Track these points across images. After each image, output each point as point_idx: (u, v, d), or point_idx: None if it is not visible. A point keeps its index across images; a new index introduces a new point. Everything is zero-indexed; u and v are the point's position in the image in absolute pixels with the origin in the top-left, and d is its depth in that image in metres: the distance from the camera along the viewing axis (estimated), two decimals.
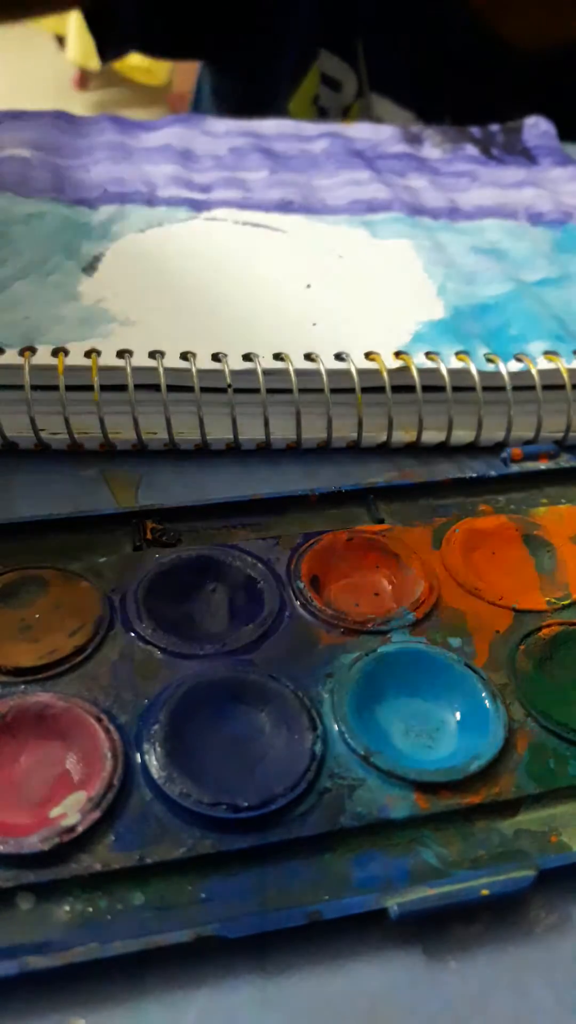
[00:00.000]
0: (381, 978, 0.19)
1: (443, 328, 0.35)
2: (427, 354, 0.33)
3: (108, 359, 0.31)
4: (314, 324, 0.35)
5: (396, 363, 0.33)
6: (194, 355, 0.32)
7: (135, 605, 0.26)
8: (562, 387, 0.34)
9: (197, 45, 0.70)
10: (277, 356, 0.33)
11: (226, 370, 0.32)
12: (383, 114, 0.64)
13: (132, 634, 0.25)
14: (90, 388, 0.31)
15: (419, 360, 0.33)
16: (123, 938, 0.19)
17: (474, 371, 0.33)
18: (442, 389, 0.33)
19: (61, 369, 0.31)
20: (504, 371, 0.33)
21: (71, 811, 0.20)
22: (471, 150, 0.54)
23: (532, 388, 0.33)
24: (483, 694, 0.24)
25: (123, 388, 0.31)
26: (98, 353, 0.32)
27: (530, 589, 0.28)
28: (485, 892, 0.20)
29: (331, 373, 0.32)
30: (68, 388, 0.31)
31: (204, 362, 0.32)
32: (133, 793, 0.21)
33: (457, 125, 0.56)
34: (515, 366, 0.34)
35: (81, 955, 0.18)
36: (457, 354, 0.34)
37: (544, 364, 0.34)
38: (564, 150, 0.55)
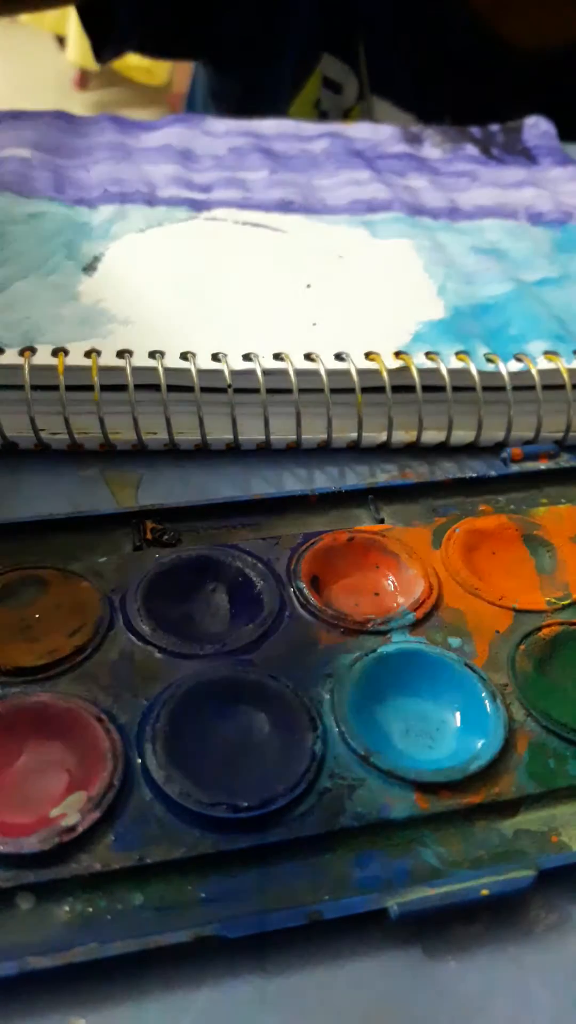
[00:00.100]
0: (381, 978, 0.19)
1: (443, 328, 0.35)
2: (427, 354, 0.33)
3: (108, 359, 0.31)
4: (314, 324, 0.35)
5: (396, 363, 0.33)
6: (194, 355, 0.32)
7: (135, 605, 0.26)
8: (562, 387, 0.34)
9: (195, 46, 0.69)
10: (277, 356, 0.33)
11: (226, 370, 0.32)
12: (384, 117, 0.64)
13: (132, 634, 0.25)
14: (90, 388, 0.31)
15: (419, 360, 0.33)
16: (123, 938, 0.19)
17: (474, 371, 0.33)
18: (442, 389, 0.33)
19: (61, 369, 0.31)
20: (504, 371, 0.33)
21: (71, 811, 0.20)
22: (471, 150, 0.54)
23: (532, 388, 0.33)
24: (483, 694, 0.24)
25: (123, 388, 0.31)
26: (98, 353, 0.32)
27: (530, 589, 0.28)
28: (485, 892, 0.20)
29: (331, 373, 0.32)
30: (68, 388, 0.31)
31: (204, 362, 0.32)
32: (133, 793, 0.21)
33: (457, 125, 0.56)
34: (515, 366, 0.34)
35: (81, 955, 0.18)
36: (457, 354, 0.34)
37: (544, 364, 0.34)
38: (564, 150, 0.55)
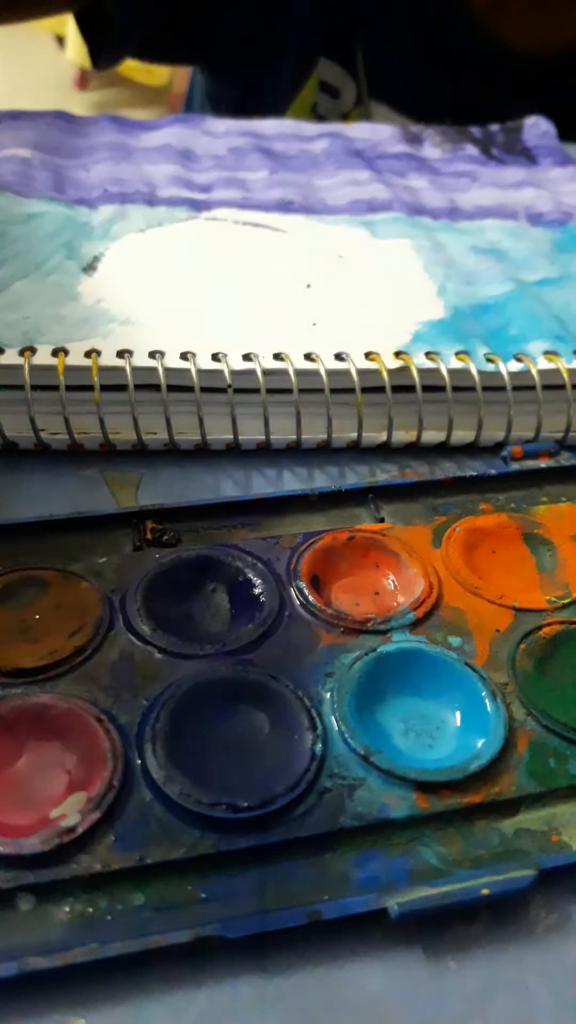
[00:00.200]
0: (381, 978, 0.19)
1: (443, 328, 0.35)
2: (427, 354, 0.33)
3: (108, 359, 0.31)
4: (314, 324, 0.35)
5: (396, 363, 0.33)
6: (194, 355, 0.32)
7: (135, 605, 0.26)
8: (562, 387, 0.34)
9: (192, 50, 0.69)
10: (277, 356, 0.33)
11: (226, 370, 0.32)
12: (382, 121, 0.64)
13: (132, 634, 0.25)
14: (90, 388, 0.31)
15: (419, 360, 0.33)
16: (123, 938, 0.19)
17: (474, 371, 0.33)
18: (442, 389, 0.33)
19: (61, 369, 0.31)
20: (504, 371, 0.33)
21: (71, 811, 0.20)
22: (471, 150, 0.54)
23: (532, 388, 0.33)
24: (483, 693, 0.24)
25: (123, 388, 0.31)
26: (98, 353, 0.32)
27: (530, 588, 0.28)
28: (485, 892, 0.20)
29: (331, 373, 0.32)
30: (68, 388, 0.31)
31: (204, 362, 0.32)
32: (133, 793, 0.21)
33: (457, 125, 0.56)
34: (515, 366, 0.34)
35: (81, 955, 0.18)
36: (457, 354, 0.34)
37: (544, 364, 0.34)
38: (564, 150, 0.54)
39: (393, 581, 0.28)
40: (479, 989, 0.19)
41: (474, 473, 0.32)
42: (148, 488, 0.32)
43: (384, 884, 0.20)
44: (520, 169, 0.52)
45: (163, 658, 0.25)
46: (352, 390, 0.32)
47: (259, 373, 0.32)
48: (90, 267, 0.37)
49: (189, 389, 0.31)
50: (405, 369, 0.33)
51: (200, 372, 0.32)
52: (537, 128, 0.56)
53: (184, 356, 0.32)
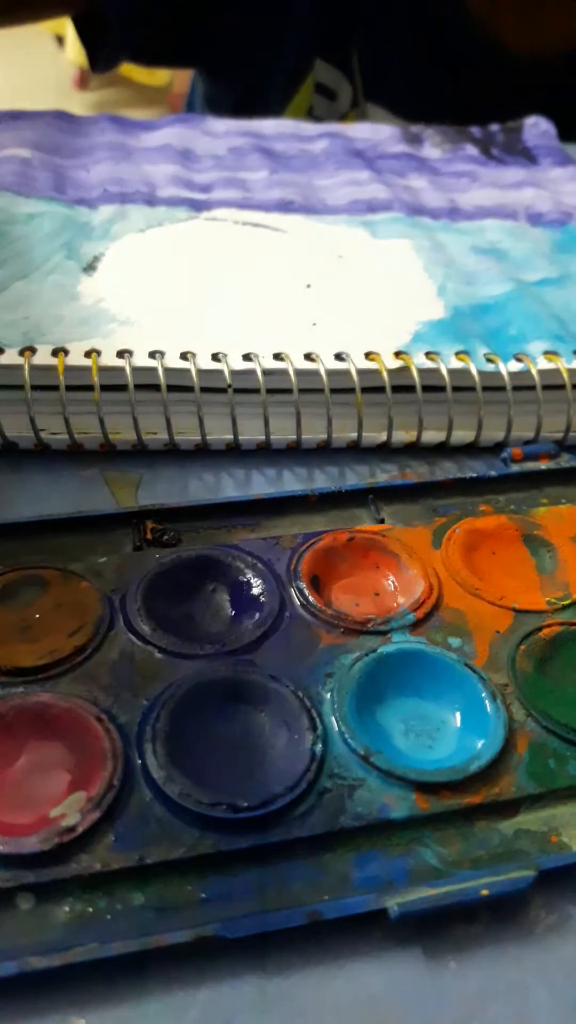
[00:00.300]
0: (381, 978, 0.19)
1: (443, 328, 0.35)
2: (427, 354, 0.33)
3: (108, 359, 0.31)
4: (314, 324, 0.35)
5: (396, 363, 0.33)
6: (194, 355, 0.32)
7: (135, 605, 0.26)
8: (562, 387, 0.34)
9: (189, 53, 0.69)
10: (277, 356, 0.33)
11: (226, 370, 0.32)
12: (379, 123, 0.64)
13: (132, 634, 0.25)
14: (90, 388, 0.31)
15: (419, 360, 0.33)
16: (123, 938, 0.19)
17: (474, 371, 0.33)
18: (442, 389, 0.33)
19: (61, 369, 0.31)
20: (504, 371, 0.33)
21: (71, 811, 0.20)
22: (471, 150, 0.54)
23: (532, 388, 0.33)
24: (483, 694, 0.24)
25: (123, 388, 0.31)
26: (98, 353, 0.32)
27: (530, 589, 0.28)
28: (485, 892, 0.20)
29: (331, 373, 0.32)
30: (68, 388, 0.31)
31: (204, 362, 0.32)
32: (133, 793, 0.21)
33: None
34: (515, 366, 0.34)
35: (81, 955, 0.18)
36: (457, 354, 0.34)
37: (544, 364, 0.34)
38: (564, 150, 0.54)
39: (393, 582, 0.28)
40: (479, 989, 0.19)
41: (474, 474, 0.32)
42: (148, 488, 0.32)
43: (384, 884, 0.20)
44: (520, 169, 0.52)
45: (163, 658, 0.25)
46: (352, 390, 0.32)
47: (259, 373, 0.32)
48: (90, 267, 0.37)
49: (189, 389, 0.31)
50: (405, 369, 0.33)
51: (200, 372, 0.32)
52: (537, 128, 0.56)
53: (184, 356, 0.32)
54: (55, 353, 0.31)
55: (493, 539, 0.30)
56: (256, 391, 0.32)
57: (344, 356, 0.33)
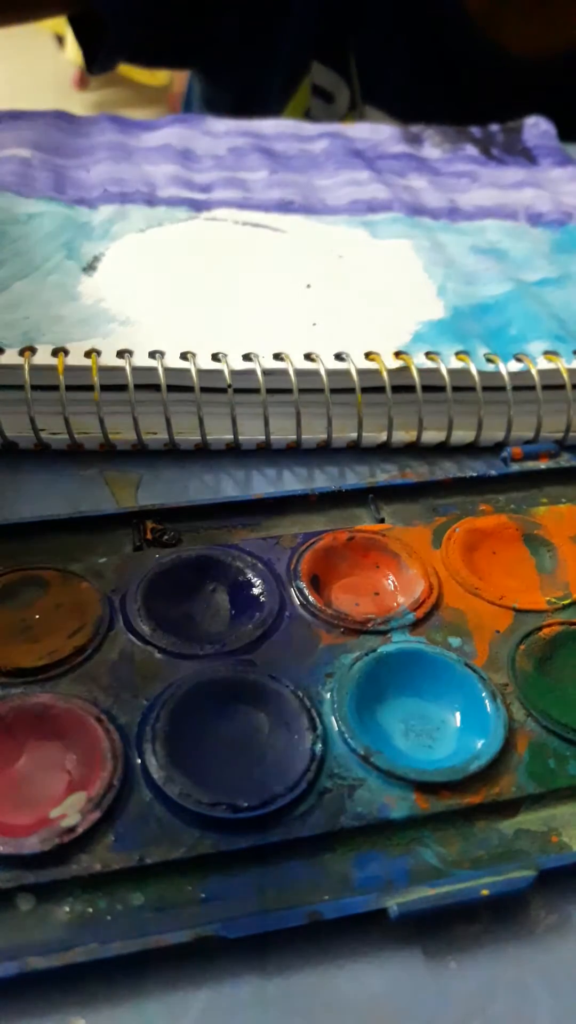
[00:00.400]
0: (381, 978, 0.19)
1: (443, 328, 0.35)
2: (427, 354, 0.33)
3: (108, 359, 0.31)
4: (314, 324, 0.35)
5: (396, 363, 0.33)
6: (194, 355, 0.32)
7: (135, 605, 0.26)
8: (562, 387, 0.34)
9: (186, 54, 0.69)
10: (277, 356, 0.33)
11: (226, 370, 0.32)
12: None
13: (132, 634, 0.25)
14: (90, 388, 0.31)
15: (419, 360, 0.33)
16: (123, 938, 0.19)
17: (474, 371, 0.33)
18: (442, 389, 0.33)
19: (61, 369, 0.31)
20: (504, 371, 0.33)
21: (71, 811, 0.20)
22: (471, 150, 0.54)
23: (532, 388, 0.33)
24: (483, 694, 0.24)
25: (123, 388, 0.31)
26: (98, 353, 0.32)
27: (530, 589, 0.28)
28: (485, 892, 0.20)
29: (331, 373, 0.32)
30: (68, 388, 0.31)
31: (204, 362, 0.32)
32: (133, 793, 0.21)
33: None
34: (515, 366, 0.34)
35: (81, 955, 0.18)
36: (457, 354, 0.34)
37: (544, 364, 0.34)
38: (564, 150, 0.54)
39: (393, 581, 0.28)
40: (479, 989, 0.19)
41: (474, 474, 0.32)
42: (148, 488, 0.32)
43: (384, 884, 0.20)
44: (520, 169, 0.52)
45: (163, 658, 0.25)
46: (352, 390, 0.32)
47: (259, 373, 0.32)
48: (90, 267, 0.37)
49: (189, 389, 0.31)
50: (405, 369, 0.33)
51: (200, 372, 0.32)
52: (537, 128, 0.56)
53: (184, 356, 0.32)
54: (55, 353, 0.31)
55: (493, 539, 0.30)
56: (256, 391, 0.32)
57: (344, 356, 0.33)
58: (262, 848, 0.21)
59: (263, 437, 0.33)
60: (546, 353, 0.34)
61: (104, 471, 0.32)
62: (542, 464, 0.33)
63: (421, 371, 0.33)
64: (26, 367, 0.31)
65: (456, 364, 0.33)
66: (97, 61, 0.61)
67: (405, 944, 0.20)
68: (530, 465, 0.33)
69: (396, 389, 0.32)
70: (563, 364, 0.34)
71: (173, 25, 0.63)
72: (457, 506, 0.31)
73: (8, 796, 0.21)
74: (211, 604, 0.27)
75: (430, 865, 0.21)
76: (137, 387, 0.31)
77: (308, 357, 0.33)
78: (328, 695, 0.24)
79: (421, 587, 0.27)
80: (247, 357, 0.32)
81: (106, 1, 0.58)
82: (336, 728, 0.23)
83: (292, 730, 0.23)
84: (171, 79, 2.25)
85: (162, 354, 0.32)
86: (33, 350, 0.31)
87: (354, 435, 0.33)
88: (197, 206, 0.44)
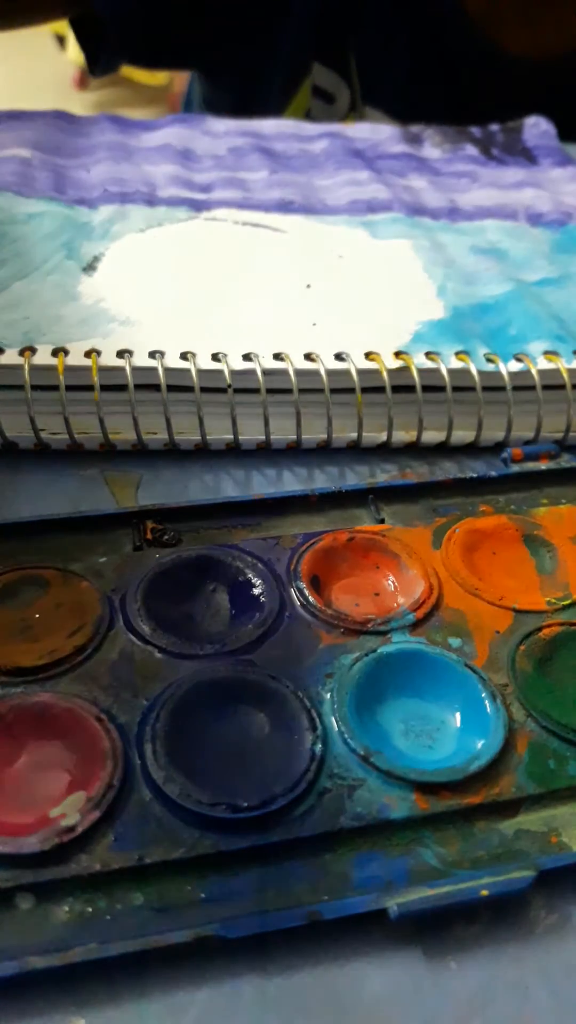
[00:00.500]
0: (381, 978, 0.19)
1: (443, 328, 0.35)
2: (427, 354, 0.33)
3: (108, 359, 0.31)
4: (314, 324, 0.35)
5: (396, 363, 0.33)
6: (194, 355, 0.32)
7: (135, 605, 0.26)
8: (562, 387, 0.34)
9: (187, 56, 0.69)
10: (277, 356, 0.33)
11: (226, 370, 0.32)
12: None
13: (132, 634, 0.25)
14: (90, 388, 0.31)
15: (419, 360, 0.33)
16: (123, 938, 0.19)
17: (474, 371, 0.33)
18: (442, 389, 0.33)
19: (61, 369, 0.31)
20: (504, 371, 0.33)
21: (71, 811, 0.20)
22: (471, 150, 0.54)
23: (532, 388, 0.33)
24: (483, 694, 0.24)
25: (123, 388, 0.31)
26: (98, 353, 0.32)
27: (530, 589, 0.28)
28: (485, 892, 0.20)
29: (331, 373, 0.32)
30: (68, 388, 0.31)
31: (204, 362, 0.32)
32: (133, 793, 0.21)
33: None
34: (515, 366, 0.34)
35: (81, 955, 0.18)
36: (457, 354, 0.34)
37: (544, 364, 0.34)
38: (564, 150, 0.54)
39: (393, 582, 0.28)
40: (479, 989, 0.19)
41: (474, 474, 0.32)
42: (148, 488, 0.32)
43: (384, 884, 0.20)
44: (520, 169, 0.52)
45: (163, 658, 0.25)
46: (352, 390, 0.32)
47: (259, 373, 0.32)
48: (90, 267, 0.37)
49: (189, 389, 0.31)
50: (405, 369, 0.33)
51: (200, 372, 0.32)
52: (537, 128, 0.56)
53: (184, 356, 0.32)
54: (55, 353, 0.31)
55: (493, 539, 0.30)
56: (256, 391, 0.32)
57: (344, 356, 0.33)
58: (262, 848, 0.21)
59: (263, 437, 0.32)
60: (546, 353, 0.34)
61: (104, 471, 0.32)
62: (542, 465, 0.33)
63: (421, 371, 0.33)
64: (26, 367, 0.31)
65: (456, 364, 0.33)
66: (99, 63, 0.61)
67: (405, 944, 0.20)
68: (530, 466, 0.33)
69: (396, 389, 0.32)
70: (563, 364, 0.34)
71: (173, 26, 0.63)
72: (457, 507, 0.31)
73: (8, 795, 0.21)
74: (211, 604, 0.27)
75: (430, 865, 0.21)
76: (137, 387, 0.31)
77: (308, 357, 0.33)
78: (328, 695, 0.24)
79: (421, 588, 0.27)
80: (247, 357, 0.32)
81: (106, 3, 0.58)
82: (336, 728, 0.23)
83: (292, 730, 0.23)
84: (171, 79, 2.25)
85: (162, 354, 0.32)
86: (33, 350, 0.31)
87: (354, 435, 0.33)
88: (197, 206, 0.44)
